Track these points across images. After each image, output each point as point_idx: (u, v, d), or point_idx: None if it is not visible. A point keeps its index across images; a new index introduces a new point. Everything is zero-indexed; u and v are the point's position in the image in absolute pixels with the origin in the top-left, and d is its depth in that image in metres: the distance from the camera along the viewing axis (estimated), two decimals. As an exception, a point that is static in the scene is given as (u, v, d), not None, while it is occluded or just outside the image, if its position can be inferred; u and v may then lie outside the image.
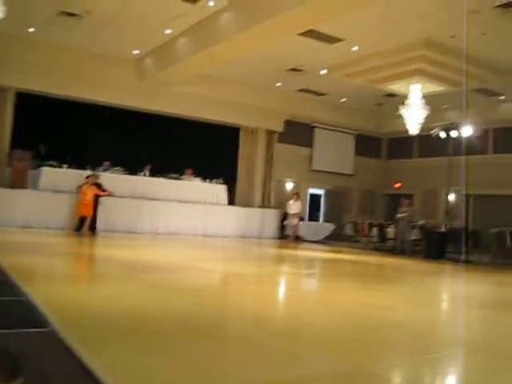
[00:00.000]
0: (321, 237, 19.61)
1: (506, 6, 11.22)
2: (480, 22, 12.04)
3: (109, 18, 13.73)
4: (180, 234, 16.96)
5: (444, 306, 7.82)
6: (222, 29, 12.79)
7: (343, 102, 20.89)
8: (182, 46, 14.55)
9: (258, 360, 3.80)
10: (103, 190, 15.29)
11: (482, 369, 4.05)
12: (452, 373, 4.06)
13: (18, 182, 15.05)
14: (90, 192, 14.68)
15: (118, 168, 17.05)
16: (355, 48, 14.47)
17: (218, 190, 18.75)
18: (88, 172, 15.70)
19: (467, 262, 14.17)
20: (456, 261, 14.38)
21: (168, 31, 14.29)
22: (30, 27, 14.63)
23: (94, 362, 3.21)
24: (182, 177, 18.34)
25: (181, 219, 17.27)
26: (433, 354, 4.38)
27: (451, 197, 19.64)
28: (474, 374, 3.97)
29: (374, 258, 14.56)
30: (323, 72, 16.68)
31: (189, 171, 18.44)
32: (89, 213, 14.69)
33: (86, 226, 14.68)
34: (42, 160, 15.80)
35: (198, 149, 19.16)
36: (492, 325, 6.04)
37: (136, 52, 16.45)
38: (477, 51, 13.96)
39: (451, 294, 9.13)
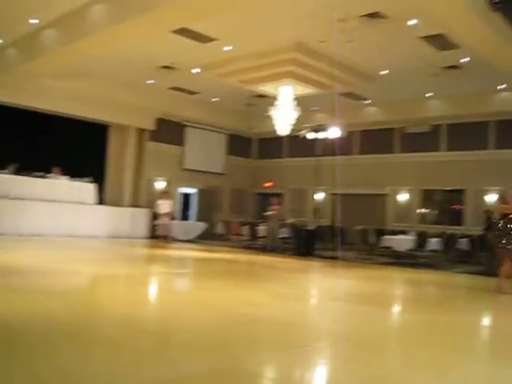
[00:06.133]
0: (192, 236, 19.56)
1: (370, 16, 11.82)
2: (347, 29, 12.60)
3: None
4: (45, 236, 16.00)
5: (312, 301, 8.07)
6: (92, 21, 12.24)
7: (215, 102, 20.99)
8: (49, 37, 13.74)
9: (129, 362, 3.70)
10: None
11: (349, 360, 4.21)
12: (321, 364, 4.19)
13: None
14: None
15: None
16: (228, 48, 14.57)
17: (87, 188, 17.89)
18: None
19: (334, 258, 14.76)
20: (324, 257, 14.93)
21: (33, 21, 13.51)
22: None
23: None
24: (49, 175, 17.39)
25: (46, 219, 16.27)
26: (302, 347, 4.49)
27: (319, 196, 20.41)
28: (341, 365, 4.12)
29: (245, 256, 14.75)
30: (196, 71, 16.65)
31: (56, 169, 17.53)
32: None
33: None
34: None
35: (67, 146, 18.34)
36: (356, 318, 6.32)
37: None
38: (344, 57, 14.60)
39: (319, 290, 9.45)
